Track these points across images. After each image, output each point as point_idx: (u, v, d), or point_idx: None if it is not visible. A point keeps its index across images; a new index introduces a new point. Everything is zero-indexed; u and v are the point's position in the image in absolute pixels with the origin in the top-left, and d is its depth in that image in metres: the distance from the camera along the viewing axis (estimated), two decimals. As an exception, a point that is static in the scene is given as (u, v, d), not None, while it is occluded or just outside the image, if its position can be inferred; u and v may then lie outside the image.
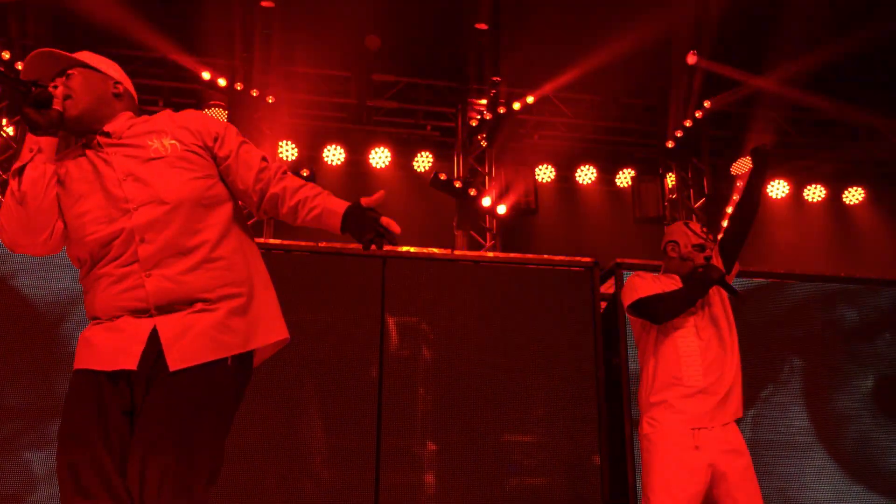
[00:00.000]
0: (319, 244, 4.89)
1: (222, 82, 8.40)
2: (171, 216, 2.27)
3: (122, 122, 2.42)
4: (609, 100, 9.29)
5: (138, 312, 2.24)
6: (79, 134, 2.38)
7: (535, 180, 9.39)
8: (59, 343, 4.38)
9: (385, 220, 2.30)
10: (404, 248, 4.97)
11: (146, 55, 8.43)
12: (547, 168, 9.50)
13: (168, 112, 2.51)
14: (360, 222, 2.31)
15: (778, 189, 9.72)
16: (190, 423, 2.14)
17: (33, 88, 2.25)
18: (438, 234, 9.06)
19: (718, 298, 3.63)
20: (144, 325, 2.22)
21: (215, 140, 2.42)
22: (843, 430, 5.04)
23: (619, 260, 5.07)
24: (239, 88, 8.52)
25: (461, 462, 4.63)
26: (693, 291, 3.52)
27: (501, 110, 9.06)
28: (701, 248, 3.62)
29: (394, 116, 9.38)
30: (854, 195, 9.88)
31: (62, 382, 4.26)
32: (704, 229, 3.69)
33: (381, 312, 4.78)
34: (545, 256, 5.19)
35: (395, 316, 4.83)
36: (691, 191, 9.62)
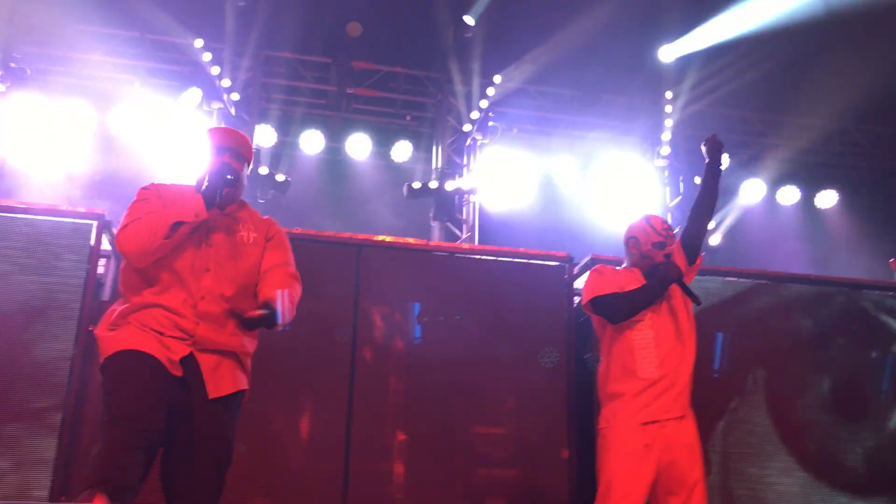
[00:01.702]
0: (294, 230, 4.86)
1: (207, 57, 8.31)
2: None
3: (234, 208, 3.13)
4: (589, 94, 9.32)
5: None
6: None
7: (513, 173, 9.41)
8: (22, 343, 4.30)
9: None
10: (380, 238, 4.96)
11: (124, 34, 8.33)
12: (526, 161, 9.50)
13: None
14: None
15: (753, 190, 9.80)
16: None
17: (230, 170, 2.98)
18: (415, 225, 9.06)
19: (679, 290, 3.65)
20: None
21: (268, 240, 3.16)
22: (807, 433, 5.11)
23: (593, 256, 5.09)
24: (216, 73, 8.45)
25: (431, 452, 4.63)
26: (650, 292, 3.54)
27: (483, 104, 9.06)
28: (661, 245, 3.64)
29: (373, 105, 9.35)
30: (827, 198, 10.00)
31: (21, 383, 4.20)
32: (666, 225, 3.70)
33: (354, 300, 4.77)
34: (520, 250, 5.19)
35: (369, 304, 4.81)
36: (667, 189, 9.69)
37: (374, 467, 4.55)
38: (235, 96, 8.63)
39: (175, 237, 2.86)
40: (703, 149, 3.75)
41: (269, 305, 2.86)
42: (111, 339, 2.85)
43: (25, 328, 4.32)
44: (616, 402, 3.51)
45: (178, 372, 2.81)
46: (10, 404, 4.20)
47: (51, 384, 4.25)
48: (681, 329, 3.57)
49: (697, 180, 8.99)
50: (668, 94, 9.32)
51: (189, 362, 2.84)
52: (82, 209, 4.58)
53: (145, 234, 2.83)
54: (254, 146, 8.67)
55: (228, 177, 2.94)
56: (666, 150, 9.54)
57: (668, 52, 8.94)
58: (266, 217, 3.24)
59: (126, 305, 2.93)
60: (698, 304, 3.54)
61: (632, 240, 3.74)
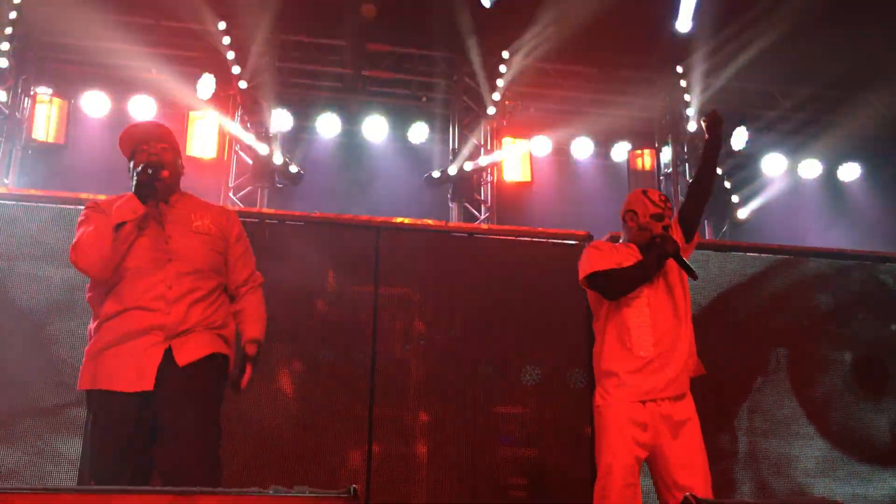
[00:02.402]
0: (313, 214, 4.87)
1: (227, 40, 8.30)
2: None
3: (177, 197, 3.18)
4: (606, 72, 9.24)
5: None
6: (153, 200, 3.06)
7: (531, 152, 9.39)
8: (43, 337, 4.35)
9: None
10: (398, 220, 4.96)
11: (138, 21, 8.35)
12: (543, 139, 9.46)
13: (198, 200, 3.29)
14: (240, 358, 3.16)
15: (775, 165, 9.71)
16: None
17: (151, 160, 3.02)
18: (433, 206, 9.06)
19: (676, 267, 3.59)
20: None
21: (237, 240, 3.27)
22: (831, 409, 5.08)
23: (612, 234, 5.06)
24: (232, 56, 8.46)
25: (453, 433, 4.65)
26: (647, 268, 3.49)
27: (500, 83, 9.01)
28: (659, 217, 3.57)
29: (389, 87, 9.32)
30: (850, 171, 9.89)
31: (38, 384, 4.26)
32: (663, 198, 3.64)
33: (374, 283, 4.78)
34: (539, 229, 5.18)
35: (389, 287, 4.82)
36: (686, 164, 9.61)
37: (396, 449, 4.58)
38: (243, 84, 8.64)
39: (122, 238, 2.93)
40: (703, 124, 3.70)
41: (246, 356, 3.10)
42: (85, 370, 2.96)
43: (47, 320, 4.37)
44: (611, 380, 3.47)
45: (149, 385, 2.86)
46: (31, 401, 4.24)
47: (73, 376, 4.29)
48: (677, 306, 3.52)
49: None
50: (679, 69, 9.24)
51: (163, 365, 2.90)
52: (102, 197, 4.61)
53: (93, 246, 2.92)
54: (271, 132, 8.70)
55: (149, 171, 2.97)
56: (692, 125, 9.44)
57: (684, 23, 8.79)
58: (220, 206, 3.35)
59: (95, 323, 3.02)
60: (695, 278, 3.48)
61: (629, 213, 3.69)
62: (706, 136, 3.69)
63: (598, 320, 3.64)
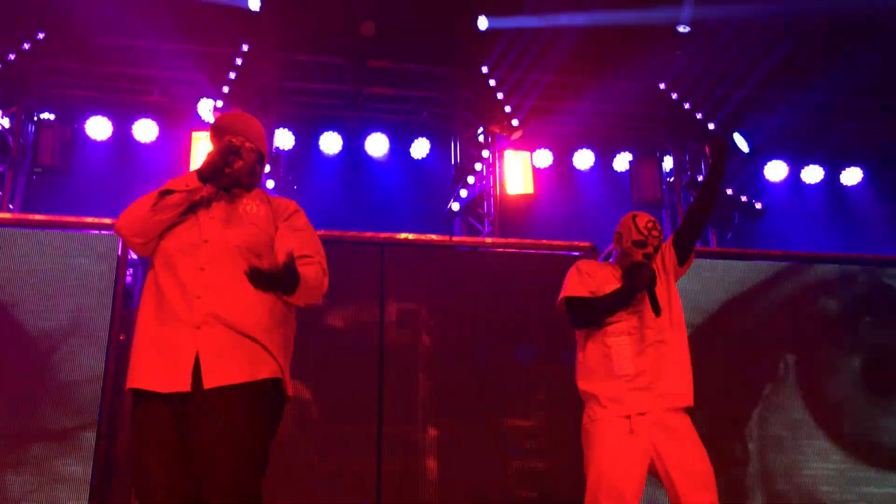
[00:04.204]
0: (318, 232, 4.87)
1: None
2: None
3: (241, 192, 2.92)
4: (607, 83, 9.25)
5: None
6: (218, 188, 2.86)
7: (532, 165, 9.40)
8: (55, 354, 4.37)
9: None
10: (402, 235, 4.97)
11: (139, 44, 8.39)
12: (545, 152, 9.49)
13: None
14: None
15: (776, 171, 9.71)
16: None
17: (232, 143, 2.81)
18: (436, 220, 9.08)
19: (665, 283, 3.56)
20: None
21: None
22: (841, 414, 5.07)
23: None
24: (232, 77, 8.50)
25: (462, 447, 4.64)
26: (617, 300, 3.45)
27: (500, 95, 9.03)
28: (640, 244, 3.53)
29: (390, 103, 9.36)
30: (852, 176, 9.89)
31: (46, 408, 4.27)
32: (650, 225, 3.58)
33: (380, 299, 4.78)
34: (543, 241, 5.18)
35: (395, 302, 4.82)
36: (689, 173, 9.61)
37: (406, 464, 4.57)
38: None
39: (165, 205, 2.71)
40: (707, 150, 3.68)
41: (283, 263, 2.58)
42: (130, 364, 2.72)
43: (57, 341, 4.39)
44: (594, 403, 3.44)
45: (185, 385, 2.57)
46: (41, 422, 4.25)
47: (84, 395, 4.31)
48: (661, 325, 3.46)
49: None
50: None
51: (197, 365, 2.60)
52: (108, 220, 4.63)
53: (135, 209, 2.73)
54: (273, 149, 8.72)
55: (222, 154, 2.76)
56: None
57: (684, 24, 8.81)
58: (289, 200, 3.03)
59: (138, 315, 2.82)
60: (658, 315, 3.40)
61: (616, 235, 3.68)
62: (710, 160, 3.66)
63: (578, 335, 3.62)
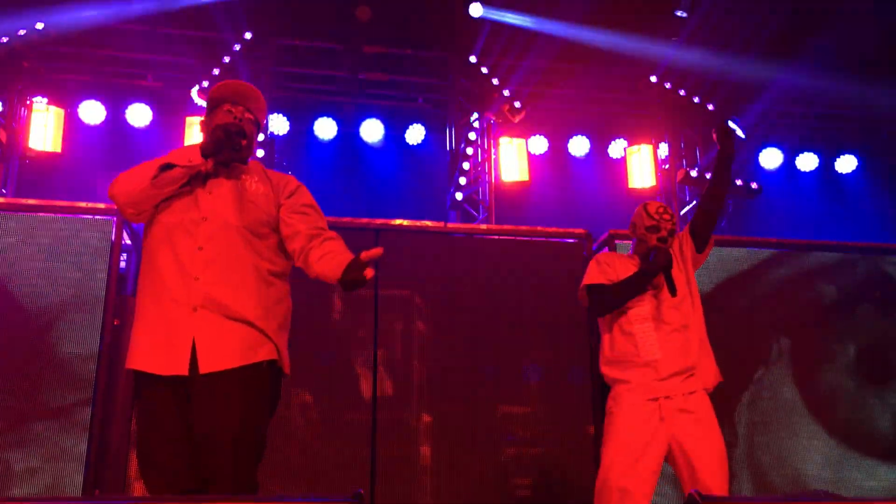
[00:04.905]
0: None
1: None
2: None
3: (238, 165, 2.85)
4: (601, 70, 9.23)
5: None
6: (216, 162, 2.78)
7: (528, 151, 9.38)
8: (47, 348, 4.37)
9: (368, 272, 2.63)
10: (397, 222, 4.96)
11: (133, 28, 8.34)
12: (540, 139, 9.48)
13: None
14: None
15: (771, 158, 9.72)
16: None
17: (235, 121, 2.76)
18: (431, 206, 9.06)
19: (682, 269, 3.63)
20: None
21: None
22: (834, 401, 5.09)
23: (611, 231, 5.06)
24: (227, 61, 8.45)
25: (457, 434, 4.65)
26: (636, 283, 3.52)
27: (495, 81, 9.00)
28: (654, 229, 3.61)
29: (385, 89, 9.32)
30: (847, 163, 9.90)
31: (45, 385, 4.27)
32: (661, 210, 3.66)
33: (374, 286, 4.78)
34: (538, 228, 5.18)
35: (389, 289, 4.82)
36: (684, 160, 9.61)
37: (400, 451, 4.58)
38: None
39: (164, 180, 2.66)
40: (714, 136, 3.70)
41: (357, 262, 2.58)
42: (131, 344, 2.72)
43: (51, 324, 4.38)
44: (619, 387, 3.51)
45: (183, 369, 2.59)
46: (39, 401, 4.26)
47: (79, 379, 4.31)
48: (683, 310, 3.54)
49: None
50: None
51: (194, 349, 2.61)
52: (101, 205, 4.61)
53: (134, 178, 2.69)
54: (268, 134, 8.70)
55: (226, 133, 2.71)
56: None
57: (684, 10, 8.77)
58: (288, 176, 3.00)
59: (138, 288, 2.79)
60: (674, 295, 3.48)
61: (631, 226, 3.77)
62: (718, 147, 3.69)
63: (602, 322, 3.67)
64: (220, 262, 2.67)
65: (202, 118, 2.98)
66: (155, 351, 2.62)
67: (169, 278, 2.66)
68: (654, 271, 3.49)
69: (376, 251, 2.57)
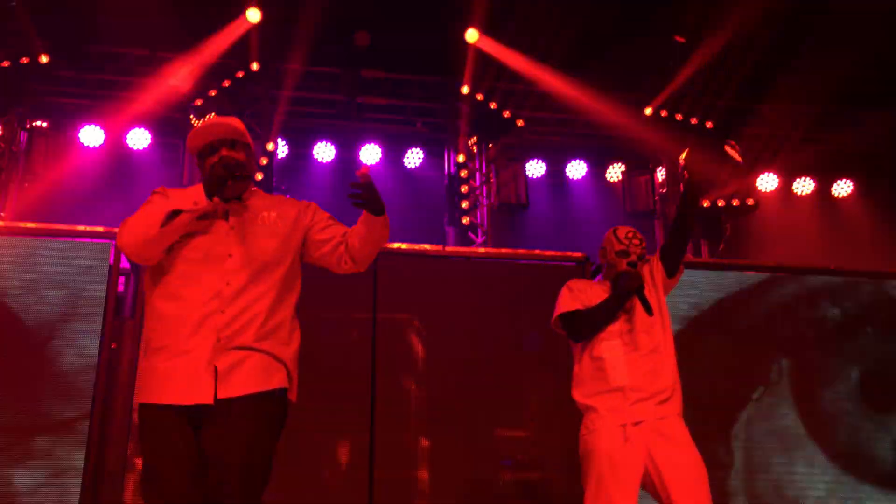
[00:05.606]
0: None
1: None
2: None
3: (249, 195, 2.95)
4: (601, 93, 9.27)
5: None
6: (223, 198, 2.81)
7: (526, 175, 9.41)
8: (46, 361, 4.37)
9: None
10: (395, 245, 4.97)
11: (133, 53, 8.39)
12: (537, 163, 9.51)
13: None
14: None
15: (767, 182, 9.75)
16: None
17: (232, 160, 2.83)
18: (430, 230, 9.07)
19: (654, 295, 3.62)
20: None
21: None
22: (834, 424, 5.08)
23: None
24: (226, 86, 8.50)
25: (455, 457, 4.64)
26: (609, 308, 3.52)
27: (493, 105, 9.04)
28: (623, 254, 3.61)
29: (384, 113, 9.36)
30: (843, 188, 9.94)
31: (48, 400, 4.28)
32: (630, 234, 3.66)
33: (373, 309, 4.78)
34: (536, 252, 5.20)
35: (388, 312, 4.82)
36: (681, 184, 9.63)
37: (398, 474, 4.56)
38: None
39: (173, 227, 2.71)
40: (681, 187, 3.71)
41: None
42: (139, 383, 2.79)
43: (49, 347, 4.38)
44: (592, 414, 3.49)
45: (207, 398, 2.63)
46: (38, 415, 4.26)
47: (75, 400, 4.31)
48: (654, 334, 3.53)
49: None
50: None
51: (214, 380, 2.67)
52: (100, 229, 4.63)
53: (141, 224, 2.73)
54: (265, 161, 8.73)
55: (225, 167, 2.76)
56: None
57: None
58: (299, 201, 3.11)
59: (147, 326, 2.83)
60: (650, 314, 3.48)
61: (601, 250, 3.77)
62: (685, 197, 3.64)
63: (574, 349, 3.67)
64: (246, 298, 2.75)
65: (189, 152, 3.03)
66: (177, 384, 2.66)
67: (193, 310, 2.71)
68: (626, 293, 3.49)
69: (364, 168, 2.82)
